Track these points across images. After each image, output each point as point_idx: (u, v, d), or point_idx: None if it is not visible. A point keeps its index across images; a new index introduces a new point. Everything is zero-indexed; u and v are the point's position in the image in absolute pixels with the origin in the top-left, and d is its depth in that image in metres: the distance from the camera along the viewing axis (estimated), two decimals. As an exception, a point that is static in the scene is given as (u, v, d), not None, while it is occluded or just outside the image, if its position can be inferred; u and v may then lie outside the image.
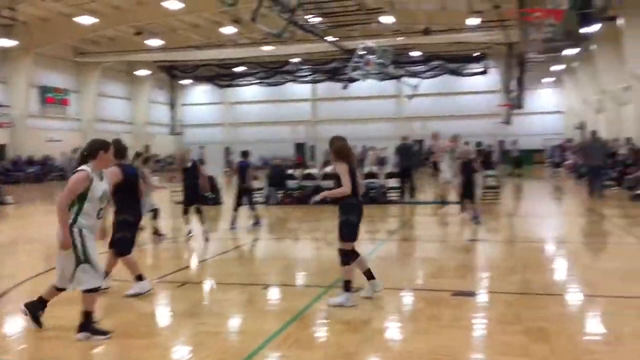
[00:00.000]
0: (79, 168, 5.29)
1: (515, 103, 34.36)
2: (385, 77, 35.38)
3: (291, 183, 18.36)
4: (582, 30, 20.87)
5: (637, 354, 4.77)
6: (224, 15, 31.96)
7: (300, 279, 8.24)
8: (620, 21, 23.51)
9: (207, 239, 10.81)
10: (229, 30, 33.71)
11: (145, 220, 10.21)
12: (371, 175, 18.02)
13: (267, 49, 34.58)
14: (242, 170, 12.79)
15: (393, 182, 18.13)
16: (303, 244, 11.56)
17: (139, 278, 6.77)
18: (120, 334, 5.35)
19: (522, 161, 31.42)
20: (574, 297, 6.67)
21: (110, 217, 6.54)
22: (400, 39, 33.19)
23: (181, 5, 27.36)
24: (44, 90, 37.00)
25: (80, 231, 5.21)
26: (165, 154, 48.55)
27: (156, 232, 11.30)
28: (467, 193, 12.95)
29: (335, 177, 6.45)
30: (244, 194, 12.81)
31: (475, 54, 39.17)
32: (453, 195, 14.30)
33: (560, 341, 5.00)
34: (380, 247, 10.10)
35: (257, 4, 17.89)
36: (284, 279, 8.09)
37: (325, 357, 4.74)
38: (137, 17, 31.68)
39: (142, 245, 11.10)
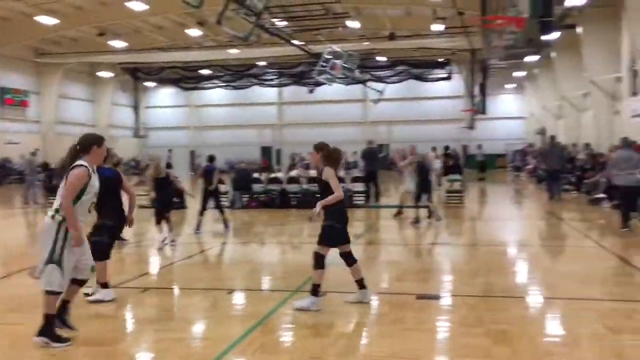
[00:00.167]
0: (77, 163, 5.17)
1: (478, 108, 34.94)
2: (351, 81, 35.59)
3: (257, 187, 18.29)
4: (543, 38, 21.37)
5: (594, 355, 4.89)
6: (189, 17, 31.70)
7: (265, 283, 8.22)
8: (579, 29, 24.16)
9: (173, 245, 10.71)
10: (194, 32, 33.46)
11: None
12: (339, 179, 18.07)
13: (233, 52, 34.42)
14: (208, 174, 12.72)
15: (358, 186, 18.23)
16: (269, 248, 11.52)
17: (105, 285, 6.67)
18: (81, 341, 5.24)
19: (486, 166, 31.95)
20: (535, 299, 6.81)
21: None
22: (366, 44, 33.44)
23: (145, 6, 27.03)
24: (3, 92, 36.05)
25: (67, 231, 5.09)
26: (128, 157, 47.87)
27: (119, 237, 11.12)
28: (423, 192, 13.60)
29: (321, 183, 6.39)
30: (210, 198, 12.75)
31: (439, 60, 39.71)
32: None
33: (521, 343, 5.10)
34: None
35: (223, 6, 17.78)
36: (249, 283, 8.05)
37: (290, 362, 4.73)
38: (100, 18, 31.16)
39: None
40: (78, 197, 5.17)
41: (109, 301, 6.59)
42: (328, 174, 6.32)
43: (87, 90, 44.67)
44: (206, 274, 8.82)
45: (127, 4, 26.81)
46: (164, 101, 51.25)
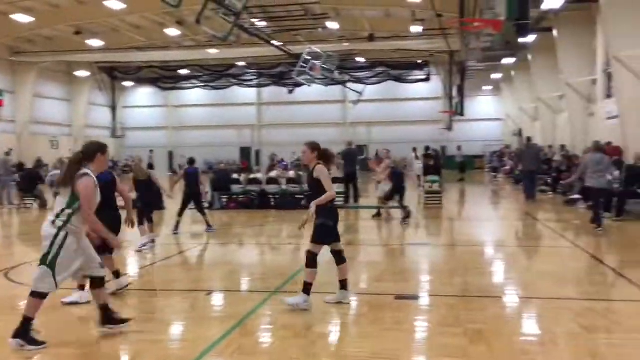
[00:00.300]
0: (83, 172, 5.22)
1: (456, 110, 35.25)
2: (331, 82, 35.74)
3: (236, 188, 18.22)
4: (519, 40, 21.63)
5: (569, 354, 4.96)
6: (167, 17, 31.44)
7: (244, 284, 8.19)
8: (555, 32, 24.49)
9: (152, 246, 10.66)
10: (173, 32, 33.21)
11: None
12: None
13: (212, 52, 34.24)
14: (190, 176, 12.70)
15: (337, 187, 18.24)
16: (248, 249, 11.49)
17: (82, 288, 6.64)
18: (56, 343, 5.17)
19: (466, 167, 32.18)
20: (511, 299, 6.89)
21: None
22: (345, 45, 33.52)
23: (123, 5, 26.76)
24: (-23, 90, 35.43)
25: (65, 237, 5.13)
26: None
27: None
28: (394, 195, 14.07)
29: (313, 182, 6.38)
30: (191, 200, 12.74)
31: (418, 62, 39.97)
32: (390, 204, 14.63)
33: (498, 342, 5.15)
34: (324, 251, 10.13)
35: (202, 6, 17.69)
36: (228, 284, 8.02)
37: (269, 363, 4.73)
38: (76, 17, 30.75)
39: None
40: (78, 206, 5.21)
41: (84, 303, 6.54)
42: (321, 172, 6.32)
43: (63, 90, 44.06)
44: (185, 275, 8.76)
45: (104, 2, 26.52)
46: (141, 101, 50.78)
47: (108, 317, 5.53)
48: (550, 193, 20.67)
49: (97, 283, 5.48)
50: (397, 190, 14.17)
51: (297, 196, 17.66)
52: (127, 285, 7.14)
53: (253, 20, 29.56)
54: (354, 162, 18.57)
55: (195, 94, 48.27)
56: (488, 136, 44.63)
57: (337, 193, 18.37)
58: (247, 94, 47.79)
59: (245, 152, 48.74)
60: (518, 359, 4.82)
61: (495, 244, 11.49)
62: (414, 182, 23.60)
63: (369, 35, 31.86)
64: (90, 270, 5.39)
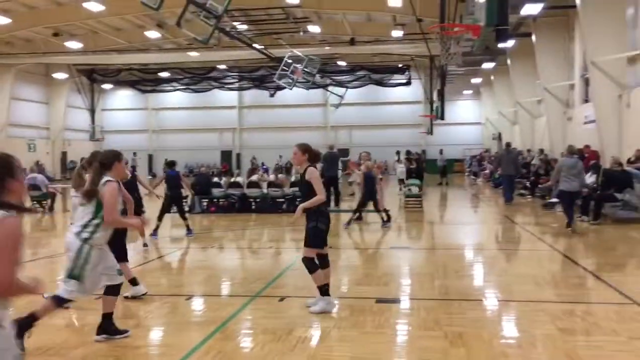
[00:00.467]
0: (105, 180, 5.34)
1: (436, 114, 35.47)
2: (312, 85, 35.74)
3: (216, 191, 18.12)
4: (499, 46, 21.88)
5: (547, 356, 5.02)
6: (147, 19, 31.24)
7: (224, 288, 8.15)
8: (533, 37, 24.80)
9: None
10: (153, 34, 33.01)
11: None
12: (298, 183, 18.06)
13: (192, 54, 34.08)
14: (171, 179, 12.62)
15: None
16: (228, 253, 11.44)
17: (133, 282, 7.05)
18: (34, 349, 5.10)
19: (447, 171, 32.31)
20: (490, 302, 6.95)
21: None
22: (326, 49, 33.58)
23: (102, 7, 26.53)
24: (-48, 92, 34.84)
25: (90, 250, 5.21)
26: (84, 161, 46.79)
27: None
28: (367, 201, 14.09)
29: (304, 184, 6.36)
30: (172, 204, 12.68)
31: (399, 66, 40.19)
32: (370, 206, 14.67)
33: (478, 345, 5.20)
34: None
35: (182, 8, 17.61)
36: (208, 289, 7.97)
37: (249, 368, 4.71)
38: (54, 19, 30.42)
39: (55, 256, 10.68)
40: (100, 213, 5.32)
41: (142, 295, 7.00)
42: (312, 174, 6.28)
43: (41, 92, 43.54)
44: (164, 280, 8.69)
45: (83, 4, 26.27)
46: (121, 104, 50.36)
47: (107, 326, 5.53)
48: (529, 196, 20.90)
49: (112, 290, 5.52)
50: (369, 195, 14.09)
51: (278, 200, 17.65)
52: (144, 293, 7.08)
53: (234, 23, 29.56)
54: (335, 166, 18.60)
55: (175, 97, 47.99)
56: (468, 140, 45.03)
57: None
58: (228, 97, 47.63)
59: (226, 155, 48.56)
60: (497, 361, 4.86)
61: (475, 247, 11.58)
62: (385, 186, 23.73)
63: (350, 39, 31.98)
64: (109, 277, 5.43)
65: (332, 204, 17.96)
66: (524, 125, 31.39)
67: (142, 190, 11.30)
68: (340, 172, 21.58)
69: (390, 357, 5.05)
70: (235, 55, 34.47)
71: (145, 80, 43.83)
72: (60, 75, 41.82)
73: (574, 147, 13.36)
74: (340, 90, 41.57)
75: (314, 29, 31.91)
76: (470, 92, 44.66)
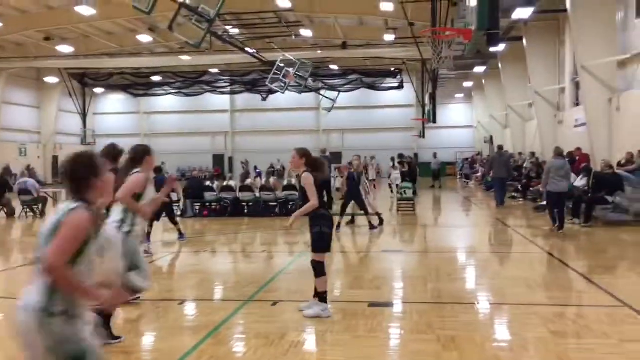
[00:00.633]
0: (135, 171, 5.62)
1: (428, 117, 35.58)
2: (304, 89, 35.75)
3: (209, 195, 18.08)
4: (490, 50, 21.97)
5: (539, 359, 5.04)
6: (139, 23, 31.17)
7: (217, 293, 8.13)
8: (524, 41, 24.93)
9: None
10: (144, 38, 32.90)
11: None
12: (290, 187, 18.05)
13: (184, 58, 34.02)
14: (159, 185, 12.55)
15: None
16: (221, 257, 11.41)
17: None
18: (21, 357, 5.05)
19: (440, 174, 32.37)
20: (483, 305, 6.96)
21: None
22: (319, 53, 33.62)
23: (93, 11, 26.43)
24: (-58, 96, 34.59)
25: (135, 242, 5.54)
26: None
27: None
28: (348, 202, 13.92)
29: (301, 190, 6.38)
30: (161, 210, 12.59)
31: (391, 69, 40.30)
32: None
33: (470, 348, 5.21)
34: (298, 259, 10.14)
35: (174, 12, 17.59)
36: (201, 293, 7.95)
37: (242, 373, 4.69)
38: (46, 23, 30.27)
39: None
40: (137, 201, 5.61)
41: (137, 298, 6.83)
42: (306, 180, 6.27)
43: (32, 96, 43.32)
44: (156, 284, 8.64)
45: (75, 8, 26.16)
46: (113, 108, 50.20)
47: (105, 329, 5.45)
48: (521, 199, 20.98)
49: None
50: (350, 195, 13.88)
51: (270, 204, 17.63)
52: (137, 298, 6.84)
53: (226, 27, 29.54)
54: (327, 170, 18.60)
55: (167, 101, 47.91)
56: (460, 143, 45.19)
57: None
58: (220, 101, 47.60)
59: (218, 159, 48.49)
60: (489, 364, 4.87)
61: (467, 250, 11.61)
62: (378, 189, 23.74)
63: (342, 43, 32.03)
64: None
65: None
66: (515, 129, 31.53)
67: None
68: (333, 178, 21.61)
69: (383, 361, 5.05)
70: (227, 59, 34.42)
71: (137, 84, 43.69)
72: (51, 80, 41.65)
73: (561, 149, 13.53)
74: (332, 94, 41.63)
75: (306, 33, 31.95)
76: (461, 95, 44.84)
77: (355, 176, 14.00)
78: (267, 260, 10.59)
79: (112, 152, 6.78)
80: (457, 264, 10.18)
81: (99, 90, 47.23)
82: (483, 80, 37.42)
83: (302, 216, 6.38)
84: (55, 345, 2.83)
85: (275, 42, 32.15)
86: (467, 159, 38.99)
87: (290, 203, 17.30)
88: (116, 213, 5.56)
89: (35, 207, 18.95)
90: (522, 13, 15.99)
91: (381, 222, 14.39)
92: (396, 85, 41.48)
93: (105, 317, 5.29)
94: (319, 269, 6.30)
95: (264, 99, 43.34)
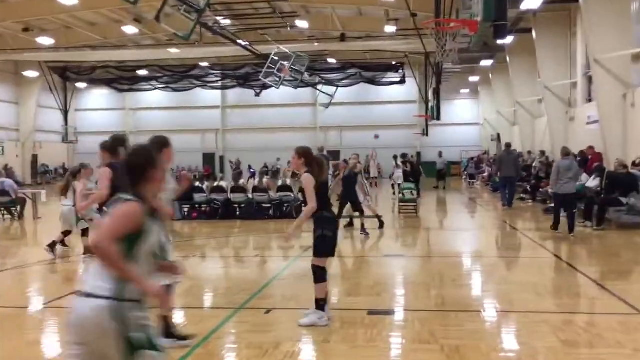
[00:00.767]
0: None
1: (432, 114, 35.65)
2: (300, 84, 35.79)
3: (198, 196, 18.06)
4: (497, 42, 22.00)
5: (548, 369, 5.05)
6: (124, 13, 31.14)
7: (207, 300, 8.13)
8: (534, 33, 24.96)
9: None
10: (130, 29, 32.87)
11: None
12: (285, 188, 18.07)
13: (172, 51, 34.00)
14: None
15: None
16: (211, 262, 11.41)
17: None
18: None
19: (446, 174, 32.25)
20: (489, 313, 6.98)
21: None
22: (315, 45, 33.64)
23: (75, 1, 26.41)
24: None
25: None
26: (57, 164, 46.54)
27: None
28: (345, 203, 13.89)
29: (302, 191, 6.42)
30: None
31: (392, 63, 40.34)
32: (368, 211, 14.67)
33: (475, 358, 5.22)
34: (293, 264, 10.14)
35: (162, 2, 17.59)
36: (190, 300, 7.93)
37: (233, 385, 4.69)
38: (25, 13, 30.20)
39: (25, 266, 10.62)
40: None
41: None
42: (305, 181, 6.28)
43: (10, 91, 43.23)
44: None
45: (56, -3, 26.14)
46: (96, 103, 50.14)
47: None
48: (530, 201, 21.01)
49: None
50: (345, 196, 13.83)
51: (264, 205, 17.62)
52: None
53: (217, 17, 29.54)
54: (327, 170, 18.60)
55: (154, 97, 47.83)
56: (465, 141, 45.23)
57: (306, 202, 18.52)
58: (210, 96, 47.56)
59: (208, 158, 48.45)
60: (496, 376, 4.88)
61: (473, 255, 11.63)
62: (379, 189, 23.74)
63: (341, 35, 32.03)
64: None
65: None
66: (524, 126, 31.57)
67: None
68: (330, 177, 21.55)
69: (383, 372, 5.05)
70: (218, 52, 34.42)
71: (121, 78, 43.62)
72: (30, 74, 41.56)
73: (568, 149, 13.63)
74: (330, 89, 41.63)
75: (302, 24, 31.94)
76: (467, 91, 44.89)
77: (352, 176, 13.96)
78: (260, 266, 10.60)
79: (111, 145, 6.79)
80: (462, 269, 10.20)
81: (81, 85, 47.16)
82: (490, 75, 37.47)
83: (315, 219, 6.35)
84: (126, 332, 3.02)
85: (269, 33, 32.16)
86: (472, 158, 39.03)
87: (285, 205, 17.30)
88: None
89: (13, 209, 18.90)
90: (531, 3, 16.04)
91: (381, 224, 14.40)
92: (398, 79, 41.49)
93: (165, 320, 5.50)
94: (319, 274, 6.31)
95: (257, 95, 43.30)
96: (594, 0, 17.52)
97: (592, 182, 15.24)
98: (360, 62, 40.01)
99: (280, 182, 19.00)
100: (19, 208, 18.99)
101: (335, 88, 41.66)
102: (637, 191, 13.95)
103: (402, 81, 41.54)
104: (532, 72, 28.32)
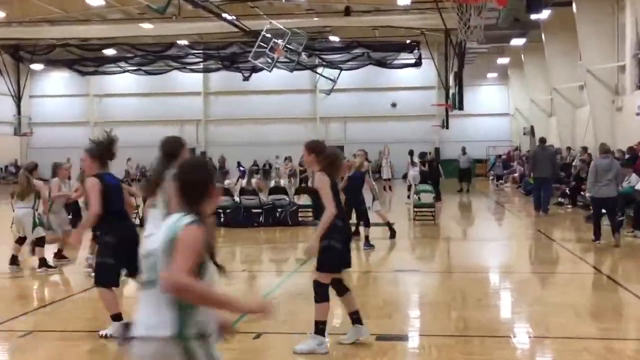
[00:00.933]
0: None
1: (453, 102, 35.64)
2: (297, 67, 35.78)
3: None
4: (531, 17, 22.01)
5: (590, 406, 5.06)
6: (89, -18, 31.15)
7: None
8: (574, 7, 24.92)
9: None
10: (95, 1, 32.87)
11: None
12: (278, 190, 18.09)
13: (146, 27, 34.02)
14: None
15: (305, 199, 18.25)
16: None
17: (116, 318, 6.80)
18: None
19: (470, 175, 31.99)
20: (521, 339, 6.98)
21: None
22: (315, 20, 33.65)
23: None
24: None
25: None
26: (7, 161, 46.55)
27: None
28: (350, 209, 13.43)
29: (314, 192, 6.39)
30: None
31: (406, 42, 40.30)
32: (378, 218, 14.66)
33: (503, 393, 5.22)
34: (288, 279, 10.15)
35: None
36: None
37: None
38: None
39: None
40: None
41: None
42: (319, 182, 6.30)
43: (-47, 74, 43.27)
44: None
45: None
46: (55, 89, 50.12)
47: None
48: (569, 206, 21.00)
49: None
50: (353, 201, 13.42)
51: (253, 210, 17.62)
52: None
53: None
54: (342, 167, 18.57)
55: (124, 81, 47.80)
56: (492, 135, 45.14)
57: (305, 206, 18.51)
58: (190, 80, 47.53)
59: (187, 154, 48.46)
60: (528, 413, 4.89)
61: (501, 270, 11.64)
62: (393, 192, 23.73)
63: (345, 9, 32.03)
64: None
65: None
66: (562, 117, 31.57)
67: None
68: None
69: (394, 409, 5.06)
70: (199, 28, 34.43)
71: (85, 59, 43.59)
72: (-24, 53, 41.60)
73: (607, 145, 13.72)
74: (332, 73, 41.61)
75: (299, -5, 31.99)
76: (495, 75, 44.86)
77: (358, 177, 13.67)
78: (248, 282, 10.60)
79: (102, 152, 7.12)
80: (488, 286, 10.20)
81: (37, 66, 47.11)
82: (522, 56, 37.47)
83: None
84: None
85: (260, 6, 32.17)
86: (499, 156, 39.00)
87: (279, 209, 17.28)
88: (156, 220, 5.59)
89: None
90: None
91: (392, 233, 14.37)
92: (412, 61, 41.46)
93: None
94: (320, 293, 6.30)
95: (246, 79, 43.27)
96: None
97: (642, 185, 15.24)
98: (367, 41, 39.94)
99: (272, 183, 19.00)
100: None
101: (338, 71, 41.64)
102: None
103: (418, 63, 41.48)
104: (572, 53, 28.29)
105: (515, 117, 44.86)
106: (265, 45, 29.76)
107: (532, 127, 38.96)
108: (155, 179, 5.91)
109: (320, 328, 6.29)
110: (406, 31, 37.25)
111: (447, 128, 41.25)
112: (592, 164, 13.84)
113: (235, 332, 3.94)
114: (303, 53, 34.42)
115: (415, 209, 18.18)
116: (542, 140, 21.08)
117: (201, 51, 42.49)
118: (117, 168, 13.12)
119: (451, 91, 36.29)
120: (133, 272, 6.93)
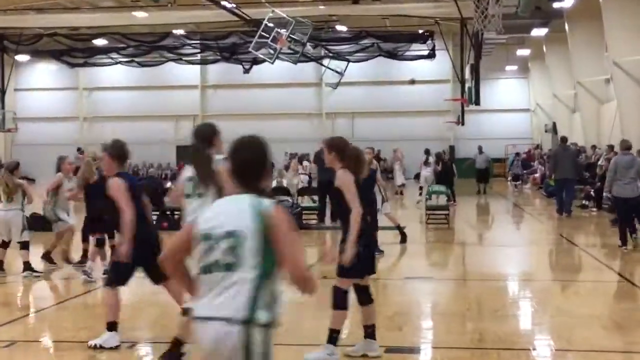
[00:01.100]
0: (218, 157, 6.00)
1: (469, 97, 35.60)
2: (302, 58, 35.77)
3: (170, 201, 18.07)
4: (553, 5, 21.99)
5: None
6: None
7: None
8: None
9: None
10: (85, -12, 33.02)
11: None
12: (280, 190, 18.09)
13: (139, 15, 34.07)
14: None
15: (309, 201, 18.26)
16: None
17: (111, 327, 6.88)
18: None
19: (488, 175, 31.90)
20: (542, 352, 6.97)
21: None
22: (321, 9, 33.65)
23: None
24: None
25: None
26: (-9, 159, 46.69)
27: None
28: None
29: (335, 192, 6.43)
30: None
31: (419, 32, 40.27)
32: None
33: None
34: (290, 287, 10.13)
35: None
36: (158, 332, 7.96)
37: None
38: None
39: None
40: None
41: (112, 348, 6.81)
42: (342, 180, 6.34)
43: None
44: (100, 321, 8.65)
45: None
46: (42, 82, 50.24)
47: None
48: (594, 209, 20.96)
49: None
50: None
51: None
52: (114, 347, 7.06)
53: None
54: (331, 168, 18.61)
55: (116, 73, 47.85)
56: (511, 133, 45.07)
57: (309, 208, 18.55)
58: (186, 73, 47.58)
59: (183, 151, 48.48)
60: None
61: (520, 278, 11.62)
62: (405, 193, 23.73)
63: (354, -5, 32.08)
64: None
65: (328, 218, 18.00)
66: (587, 113, 31.50)
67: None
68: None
69: None
70: (196, 17, 34.48)
71: (74, 49, 43.66)
72: (-42, 43, 41.73)
73: (629, 142, 13.69)
74: (339, 65, 41.60)
75: (303, -19, 32.03)
76: (514, 68, 44.80)
77: (369, 176, 13.77)
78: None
79: (119, 151, 7.23)
80: (506, 296, 10.20)
81: (22, 57, 47.19)
82: (544, 47, 37.41)
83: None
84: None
85: (263, -7, 32.22)
86: (518, 154, 38.94)
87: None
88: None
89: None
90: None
91: (403, 238, 14.36)
92: (426, 53, 41.43)
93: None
94: (339, 300, 6.33)
95: (247, 72, 43.32)
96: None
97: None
98: (377, 31, 39.91)
99: (274, 183, 19.02)
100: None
101: (345, 63, 41.63)
102: None
103: (432, 55, 41.40)
104: (598, 44, 28.21)
105: (536, 113, 44.80)
106: (268, 35, 29.74)
107: (554, 124, 38.88)
108: (207, 170, 5.92)
109: (333, 337, 6.31)
110: (419, 20, 37.22)
111: (463, 124, 41.07)
112: (612, 160, 13.86)
113: None
114: (308, 44, 34.40)
115: (428, 212, 18.18)
116: (564, 140, 21.07)
117: (198, 41, 42.46)
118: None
119: (467, 85, 36.19)
120: (154, 274, 7.00)
